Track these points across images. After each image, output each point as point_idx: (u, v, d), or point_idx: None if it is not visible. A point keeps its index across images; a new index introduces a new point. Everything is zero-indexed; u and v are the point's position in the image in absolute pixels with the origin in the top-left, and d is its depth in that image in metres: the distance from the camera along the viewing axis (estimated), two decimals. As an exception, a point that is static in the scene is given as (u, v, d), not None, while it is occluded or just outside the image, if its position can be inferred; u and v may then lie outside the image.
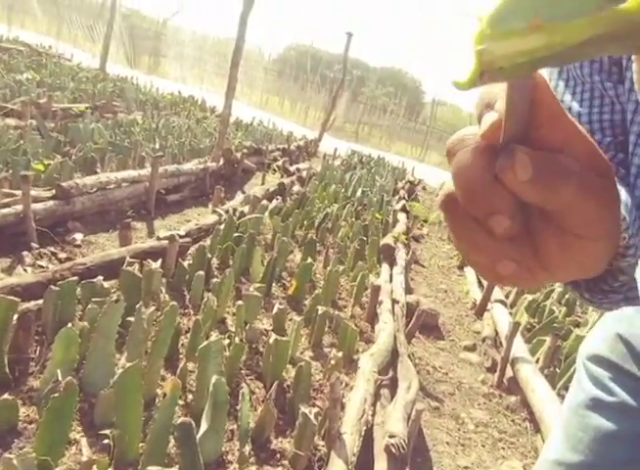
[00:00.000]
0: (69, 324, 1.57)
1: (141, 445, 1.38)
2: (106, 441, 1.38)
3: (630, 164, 0.52)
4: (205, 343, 1.59)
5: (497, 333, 3.01)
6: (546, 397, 2.16)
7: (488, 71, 0.21)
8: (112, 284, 2.07)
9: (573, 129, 0.27)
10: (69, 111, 5.16)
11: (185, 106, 8.19)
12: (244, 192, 4.63)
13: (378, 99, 17.79)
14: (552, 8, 0.20)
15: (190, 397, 1.68)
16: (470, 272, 4.10)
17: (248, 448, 1.54)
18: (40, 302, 1.82)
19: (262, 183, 4.90)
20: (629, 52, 0.21)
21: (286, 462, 1.55)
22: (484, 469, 1.98)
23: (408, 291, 3.27)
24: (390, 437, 1.57)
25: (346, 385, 2.02)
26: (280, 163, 6.03)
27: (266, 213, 3.58)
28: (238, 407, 1.56)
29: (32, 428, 1.42)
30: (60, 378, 1.48)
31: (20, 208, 2.52)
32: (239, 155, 5.12)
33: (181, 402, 1.64)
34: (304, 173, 5.47)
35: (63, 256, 2.58)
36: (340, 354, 2.00)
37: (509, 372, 2.58)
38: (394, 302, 2.76)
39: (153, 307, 1.90)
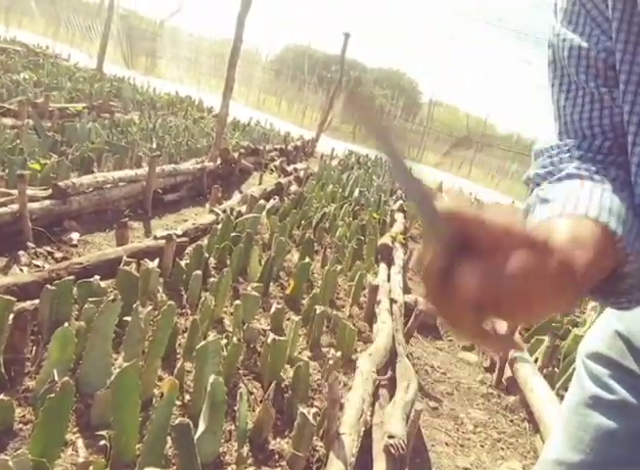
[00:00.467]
0: (66, 324, 1.56)
1: (138, 445, 1.36)
2: (102, 442, 1.37)
3: (630, 163, 0.52)
4: (203, 343, 1.58)
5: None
6: (545, 396, 2.15)
7: None
8: (108, 284, 2.06)
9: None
10: (66, 110, 5.14)
11: (182, 106, 8.17)
12: (241, 192, 4.62)
13: (375, 100, 17.79)
14: None
15: (187, 397, 1.66)
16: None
17: (246, 449, 1.53)
18: (36, 301, 1.80)
19: (260, 183, 4.89)
20: None
21: (284, 463, 1.54)
22: None
23: (406, 290, 3.27)
24: (390, 437, 1.56)
25: (345, 385, 2.01)
26: (277, 163, 6.02)
27: (264, 213, 3.57)
28: (236, 408, 1.55)
29: (28, 429, 1.41)
30: (56, 378, 1.46)
31: (16, 207, 2.50)
32: (236, 155, 5.11)
33: (178, 403, 1.62)
34: (302, 173, 5.47)
35: (59, 255, 2.56)
36: (338, 354, 1.99)
37: (508, 372, 2.57)
38: (392, 301, 2.75)
39: (150, 307, 1.89)
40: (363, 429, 1.67)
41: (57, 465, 1.28)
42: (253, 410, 1.70)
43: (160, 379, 1.71)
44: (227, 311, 2.27)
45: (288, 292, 2.65)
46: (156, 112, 6.68)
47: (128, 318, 1.66)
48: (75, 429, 1.45)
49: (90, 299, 1.79)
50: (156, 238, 2.56)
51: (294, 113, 14.36)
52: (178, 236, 2.70)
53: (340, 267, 3.03)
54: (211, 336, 1.84)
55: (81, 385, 1.59)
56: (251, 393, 1.81)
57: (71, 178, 3.06)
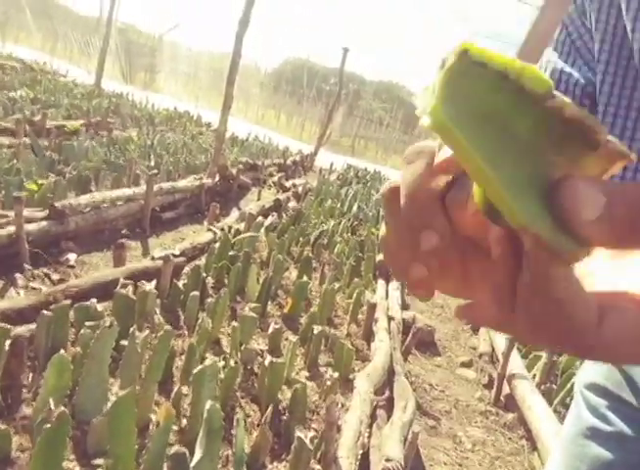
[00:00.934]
0: (62, 350, 1.56)
1: (134, 474, 1.36)
2: (99, 470, 1.36)
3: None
4: (200, 367, 1.58)
5: (494, 349, 3.00)
6: (543, 415, 2.15)
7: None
8: (105, 306, 2.06)
9: None
10: (64, 128, 5.17)
11: (181, 121, 8.23)
12: (239, 208, 4.63)
13: (374, 112, 17.94)
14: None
15: (184, 422, 1.66)
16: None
17: (243, 475, 1.52)
18: (33, 326, 1.80)
19: (258, 199, 4.91)
20: None
21: (282, 488, 1.53)
22: (483, 490, 1.96)
23: (404, 307, 3.27)
24: (387, 460, 1.55)
25: (343, 406, 2.00)
26: (276, 178, 6.05)
27: (262, 230, 3.58)
28: (233, 432, 1.54)
29: (26, 457, 1.40)
30: (52, 407, 1.46)
31: (12, 229, 2.51)
32: (234, 171, 5.14)
33: (175, 428, 1.62)
34: (300, 189, 5.49)
35: (56, 277, 2.56)
36: (336, 375, 1.99)
37: (506, 389, 2.57)
38: (390, 319, 2.75)
39: (147, 330, 1.89)
40: (361, 452, 1.67)
41: (53, 496, 1.27)
42: (251, 434, 1.70)
43: (157, 403, 1.71)
44: (225, 332, 2.27)
45: (286, 311, 2.66)
46: (154, 128, 6.72)
47: (125, 342, 1.66)
48: (72, 457, 1.44)
49: (87, 323, 1.79)
50: (153, 259, 2.57)
51: (292, 126, 14.46)
52: (176, 256, 2.71)
53: (338, 285, 3.03)
54: (209, 358, 1.84)
55: (78, 412, 1.59)
56: (248, 416, 1.80)
57: (69, 198, 3.08)
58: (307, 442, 1.48)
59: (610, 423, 0.66)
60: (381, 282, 3.40)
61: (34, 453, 1.26)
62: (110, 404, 1.42)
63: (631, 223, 0.21)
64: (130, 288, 2.13)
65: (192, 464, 1.33)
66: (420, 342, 2.85)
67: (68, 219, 2.89)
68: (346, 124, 14.26)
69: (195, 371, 1.57)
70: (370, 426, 1.85)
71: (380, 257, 3.71)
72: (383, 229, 0.30)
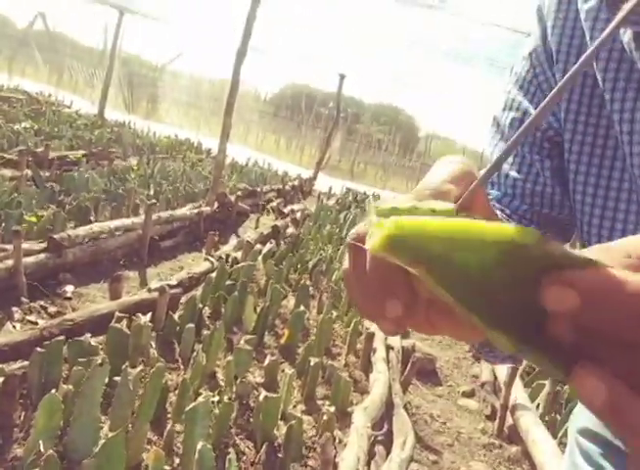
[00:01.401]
0: (53, 390, 1.54)
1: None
2: (87, 516, 1.33)
3: (580, 231, 0.55)
4: (192, 405, 1.56)
5: (496, 377, 2.95)
6: (547, 449, 2.10)
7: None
8: (100, 341, 2.05)
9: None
10: (66, 159, 5.24)
11: (181, 149, 8.33)
12: (238, 235, 4.64)
13: (372, 135, 18.16)
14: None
15: (177, 460, 1.63)
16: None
17: (236, 518, 1.48)
18: (26, 363, 1.79)
19: (256, 226, 4.92)
20: None
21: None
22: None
23: (404, 334, 3.24)
24: (385, 500, 1.51)
25: (340, 441, 1.96)
26: (274, 204, 6.08)
27: (259, 258, 3.58)
28: (227, 471, 1.51)
29: (13, 501, 1.37)
30: (42, 448, 1.44)
31: (10, 262, 2.52)
32: (233, 198, 5.17)
33: (168, 468, 1.58)
34: (299, 215, 5.51)
35: (53, 309, 2.56)
36: (332, 409, 1.95)
37: (509, 419, 2.51)
38: (389, 348, 2.72)
39: (140, 367, 1.87)
40: (359, 491, 1.62)
41: None
42: (245, 473, 1.66)
43: (150, 442, 1.68)
44: (221, 365, 2.24)
45: (282, 341, 2.63)
46: (155, 156, 6.80)
47: (118, 378, 1.64)
48: (61, 500, 1.41)
49: (80, 359, 1.78)
50: (149, 290, 2.56)
51: (292, 151, 14.62)
52: (173, 286, 2.70)
53: (336, 314, 3.01)
54: (203, 394, 1.81)
55: (69, 452, 1.56)
56: (242, 453, 1.77)
57: (67, 230, 3.09)
58: (302, 482, 1.45)
59: None
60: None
61: (21, 499, 1.23)
62: (101, 444, 1.40)
63: None
64: (125, 322, 2.12)
65: (182, 508, 1.30)
66: (420, 370, 2.80)
67: (66, 251, 2.90)
68: (345, 148, 14.41)
69: (187, 409, 1.55)
70: (368, 463, 1.80)
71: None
72: (345, 264, 0.30)
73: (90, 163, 5.30)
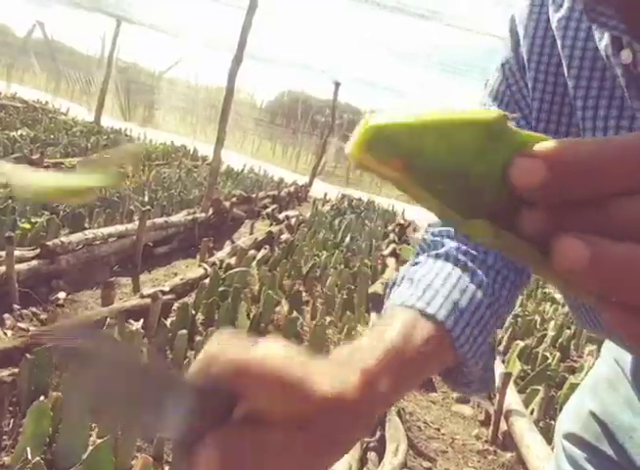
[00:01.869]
0: (42, 397, 1.53)
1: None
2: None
3: None
4: (182, 412, 1.54)
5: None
6: (542, 454, 2.09)
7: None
8: (91, 347, 2.04)
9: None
10: (61, 165, 5.24)
11: (177, 156, 8.35)
12: (233, 241, 4.64)
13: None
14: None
15: (166, 468, 1.61)
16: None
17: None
18: (16, 370, 1.78)
19: (251, 232, 4.92)
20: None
21: None
22: None
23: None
24: (376, 507, 1.50)
25: (333, 448, 1.95)
26: (269, 210, 6.09)
27: (253, 264, 3.58)
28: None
29: (-1, 511, 1.35)
30: (29, 456, 1.42)
31: (3, 269, 2.51)
32: (228, 204, 5.18)
33: (158, 475, 1.57)
34: (293, 221, 5.52)
35: (44, 316, 2.55)
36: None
37: (503, 425, 2.51)
38: (383, 354, 2.71)
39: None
40: (350, 498, 1.61)
41: None
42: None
43: (139, 449, 1.66)
44: (213, 371, 2.23)
45: (276, 348, 2.62)
46: (150, 163, 6.81)
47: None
48: (49, 509, 1.39)
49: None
50: (142, 296, 2.55)
51: (288, 158, 14.66)
52: (166, 292, 2.70)
53: (329, 320, 3.00)
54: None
55: (58, 459, 1.54)
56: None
57: (61, 236, 3.08)
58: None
59: None
60: (373, 316, 3.36)
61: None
62: (89, 451, 1.38)
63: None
64: (117, 328, 2.11)
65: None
66: None
67: (59, 258, 2.89)
68: (341, 154, 14.49)
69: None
70: None
71: (372, 288, 3.69)
72: None
73: (85, 169, 5.30)
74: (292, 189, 8.03)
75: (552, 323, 4.15)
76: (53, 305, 2.67)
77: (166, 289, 2.76)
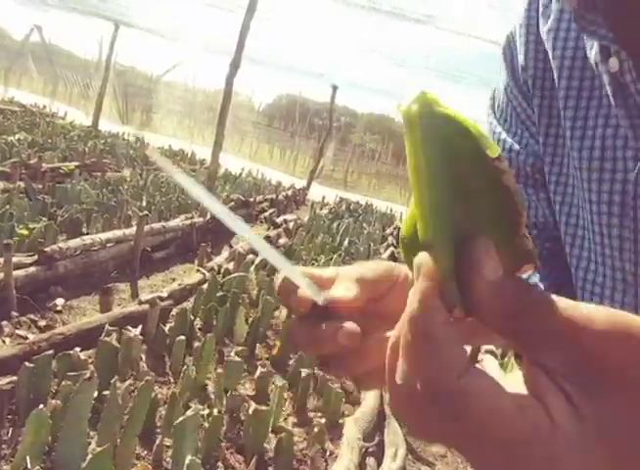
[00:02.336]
0: (41, 406, 1.53)
1: None
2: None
3: (570, 265, 0.54)
4: (181, 419, 1.55)
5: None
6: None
7: None
8: (89, 354, 2.04)
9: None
10: (59, 170, 5.24)
11: (175, 160, 8.35)
12: (231, 246, 4.64)
13: (366, 145, 18.26)
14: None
15: (166, 476, 1.62)
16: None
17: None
18: (15, 378, 1.78)
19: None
20: None
21: None
22: None
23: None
24: (375, 513, 1.51)
25: (331, 454, 1.95)
26: (267, 214, 6.09)
27: (252, 269, 3.58)
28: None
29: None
30: (29, 465, 1.43)
31: (1, 276, 2.51)
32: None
33: (157, 483, 1.58)
34: (291, 225, 5.52)
35: (43, 323, 2.55)
36: (323, 421, 1.95)
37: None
38: (381, 358, 2.72)
39: (129, 381, 1.87)
40: (349, 504, 1.62)
41: None
42: (235, 487, 1.65)
43: (139, 457, 1.67)
44: (212, 377, 2.24)
45: (274, 353, 2.63)
46: (148, 167, 6.81)
47: (107, 392, 1.64)
48: (48, 517, 1.40)
49: (69, 373, 1.77)
50: (140, 302, 2.55)
51: (286, 161, 14.67)
52: (164, 299, 2.70)
53: (327, 324, 3.01)
54: (192, 408, 1.81)
55: (58, 467, 1.55)
56: (232, 467, 1.76)
57: (59, 242, 3.09)
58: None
59: None
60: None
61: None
62: (88, 460, 1.39)
63: (506, 315, 0.23)
64: (115, 335, 2.11)
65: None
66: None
67: (57, 264, 2.89)
68: (338, 158, 14.50)
69: (175, 423, 1.54)
70: (359, 475, 1.80)
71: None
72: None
73: (83, 174, 5.30)
74: (289, 192, 8.04)
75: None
76: (51, 311, 2.67)
77: (164, 295, 2.76)
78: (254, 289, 3.41)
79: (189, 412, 1.61)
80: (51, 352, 1.85)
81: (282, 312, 3.16)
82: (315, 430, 1.90)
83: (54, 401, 1.64)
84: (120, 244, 3.52)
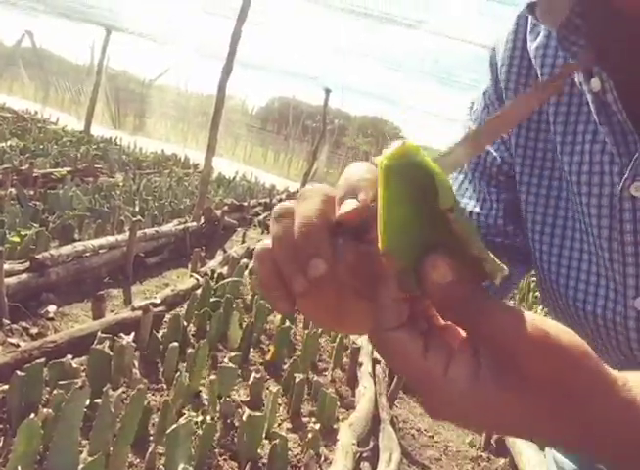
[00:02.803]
0: (32, 415, 1.52)
1: None
2: None
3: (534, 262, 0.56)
4: (173, 427, 1.54)
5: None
6: (534, 461, 2.10)
7: None
8: (82, 362, 2.02)
9: None
10: (51, 176, 5.21)
11: (168, 164, 8.33)
12: (225, 250, 4.63)
13: (359, 147, 18.30)
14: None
15: (159, 484, 1.60)
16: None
17: None
18: (5, 387, 1.76)
19: (243, 241, 4.92)
20: None
21: None
22: None
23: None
24: (369, 519, 1.50)
25: (326, 459, 1.95)
26: (261, 218, 6.09)
27: (245, 273, 3.58)
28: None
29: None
30: (19, 475, 1.41)
31: (-8, 283, 2.49)
32: (219, 213, 5.17)
33: (150, 491, 1.56)
34: (286, 228, 5.51)
35: (35, 331, 2.52)
36: (317, 426, 1.95)
37: (495, 431, 2.52)
38: (376, 362, 2.72)
39: (122, 388, 1.85)
40: (344, 509, 1.61)
41: None
42: (229, 494, 1.64)
43: (131, 465, 1.65)
44: (205, 383, 2.23)
45: (268, 358, 2.62)
46: (141, 172, 6.79)
47: (99, 400, 1.62)
48: (39, 529, 1.38)
49: (60, 382, 1.75)
50: (133, 309, 2.54)
51: (280, 164, 14.68)
52: (157, 305, 2.69)
53: (322, 329, 3.00)
54: (185, 415, 1.80)
55: (48, 477, 1.53)
56: (227, 474, 1.75)
57: (51, 249, 3.06)
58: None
59: None
60: (367, 323, 3.37)
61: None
62: (80, 469, 1.38)
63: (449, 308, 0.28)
64: (107, 342, 2.10)
65: None
66: (408, 384, 2.80)
67: (49, 271, 2.87)
68: (332, 160, 14.52)
69: (168, 431, 1.53)
70: (353, 480, 1.79)
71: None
72: (263, 243, 0.34)
73: (75, 180, 5.27)
74: (284, 196, 8.04)
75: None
76: (43, 318, 2.65)
77: (157, 301, 2.75)
78: (248, 294, 3.40)
79: (182, 420, 1.60)
80: (43, 360, 1.83)
81: (276, 317, 3.15)
82: (309, 435, 1.90)
83: (45, 410, 1.63)
84: (113, 250, 3.50)
